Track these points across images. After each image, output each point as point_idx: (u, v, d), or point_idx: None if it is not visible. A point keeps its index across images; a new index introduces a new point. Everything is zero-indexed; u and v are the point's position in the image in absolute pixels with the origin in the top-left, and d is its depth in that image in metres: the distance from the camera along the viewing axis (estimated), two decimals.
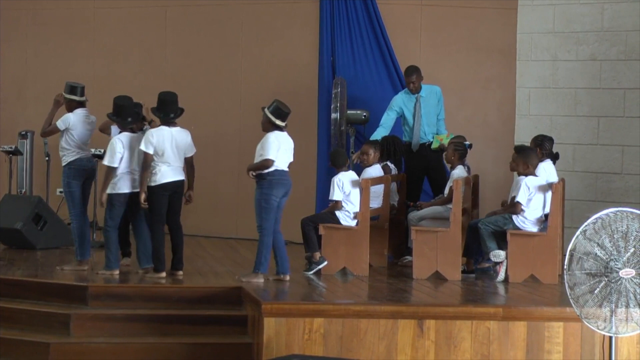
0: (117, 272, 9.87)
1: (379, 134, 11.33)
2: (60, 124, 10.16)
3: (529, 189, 9.91)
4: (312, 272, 10.07)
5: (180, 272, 9.88)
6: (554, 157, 10.68)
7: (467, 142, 10.95)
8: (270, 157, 9.45)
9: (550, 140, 10.74)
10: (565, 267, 7.51)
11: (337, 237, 10.18)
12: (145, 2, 13.63)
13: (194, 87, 12.77)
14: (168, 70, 13.43)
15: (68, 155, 10.16)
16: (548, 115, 12.15)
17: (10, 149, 12.88)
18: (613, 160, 11.92)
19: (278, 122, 9.55)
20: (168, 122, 9.72)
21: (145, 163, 9.64)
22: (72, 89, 10.28)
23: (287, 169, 9.64)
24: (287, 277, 9.66)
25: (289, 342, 8.30)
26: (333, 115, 11.90)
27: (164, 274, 9.76)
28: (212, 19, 13.37)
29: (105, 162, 9.79)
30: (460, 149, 10.74)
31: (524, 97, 12.30)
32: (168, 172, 9.69)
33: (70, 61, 13.89)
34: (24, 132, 13.49)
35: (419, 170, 11.43)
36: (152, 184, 9.70)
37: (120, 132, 9.92)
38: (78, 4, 13.91)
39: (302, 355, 7.94)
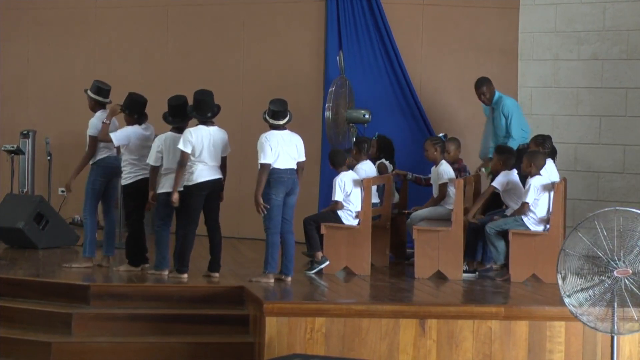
0: (166, 272, 9.85)
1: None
2: (93, 130, 10.12)
3: (537, 189, 9.93)
4: (314, 271, 10.07)
5: (217, 274, 9.83)
6: (553, 154, 10.70)
7: (442, 134, 11.00)
8: (263, 160, 9.48)
9: (550, 138, 10.76)
10: (557, 266, 7.47)
11: (339, 237, 10.19)
12: (146, 2, 13.64)
13: (195, 87, 12.69)
14: (169, 70, 13.43)
15: (98, 154, 10.19)
16: (550, 115, 12.15)
17: (12, 149, 12.88)
18: (615, 160, 11.92)
19: (273, 121, 9.58)
20: (206, 121, 9.72)
21: (181, 162, 9.61)
22: (99, 90, 10.29)
23: (288, 167, 9.62)
24: (289, 279, 9.65)
25: (290, 341, 8.30)
26: (326, 114, 11.90)
27: (186, 276, 9.74)
28: (213, 18, 13.37)
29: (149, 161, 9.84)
30: (438, 143, 10.74)
31: (525, 96, 12.29)
32: (204, 171, 9.64)
33: (71, 60, 13.90)
34: (25, 132, 13.50)
35: None
36: (189, 183, 9.65)
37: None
38: (79, 4, 13.91)
39: (304, 355, 7.93)
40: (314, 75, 12.73)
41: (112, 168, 10.24)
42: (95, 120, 10.19)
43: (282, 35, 13.05)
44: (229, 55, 13.27)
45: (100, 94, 10.28)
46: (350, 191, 10.24)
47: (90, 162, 10.24)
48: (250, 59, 13.18)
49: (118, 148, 10.25)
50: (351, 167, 10.63)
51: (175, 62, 13.49)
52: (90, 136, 10.16)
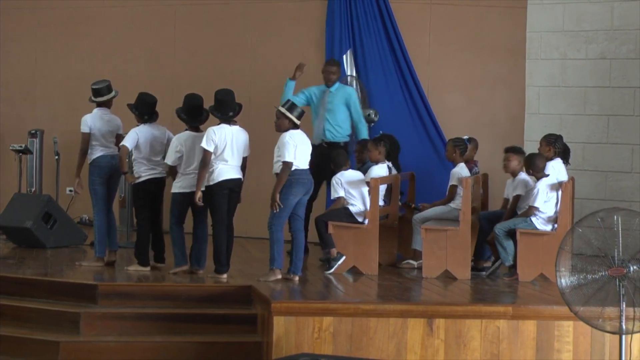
0: (186, 267, 9.91)
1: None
2: (84, 128, 10.17)
3: (545, 191, 9.94)
4: (332, 270, 10.06)
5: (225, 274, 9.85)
6: (566, 153, 10.70)
7: (466, 137, 11.00)
8: (287, 159, 9.43)
9: (561, 138, 10.77)
10: (556, 264, 7.46)
11: (347, 236, 10.19)
12: (154, 1, 13.65)
13: (202, 86, 12.70)
14: (176, 69, 13.44)
15: (92, 153, 10.22)
16: (557, 114, 12.14)
17: (20, 148, 12.91)
18: (623, 159, 11.90)
19: (294, 117, 9.53)
20: (228, 120, 9.70)
21: (204, 161, 9.57)
22: (96, 92, 10.32)
23: (306, 167, 9.61)
24: (297, 278, 9.64)
25: (298, 340, 8.31)
26: None
27: (225, 276, 9.72)
28: (220, 18, 13.37)
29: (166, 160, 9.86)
30: (460, 145, 10.73)
31: (533, 95, 12.29)
32: (225, 171, 9.62)
33: (77, 60, 13.93)
34: (33, 131, 13.53)
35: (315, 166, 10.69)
36: (210, 182, 9.63)
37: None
38: (86, 3, 13.94)
39: (312, 354, 7.93)
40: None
41: (107, 167, 10.22)
42: (88, 117, 10.21)
43: (290, 34, 13.06)
44: (236, 55, 13.28)
45: (99, 95, 10.28)
46: (348, 188, 10.31)
47: (88, 163, 10.24)
48: (258, 58, 13.18)
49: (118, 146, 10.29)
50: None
51: (183, 61, 13.50)
52: (82, 133, 10.16)
